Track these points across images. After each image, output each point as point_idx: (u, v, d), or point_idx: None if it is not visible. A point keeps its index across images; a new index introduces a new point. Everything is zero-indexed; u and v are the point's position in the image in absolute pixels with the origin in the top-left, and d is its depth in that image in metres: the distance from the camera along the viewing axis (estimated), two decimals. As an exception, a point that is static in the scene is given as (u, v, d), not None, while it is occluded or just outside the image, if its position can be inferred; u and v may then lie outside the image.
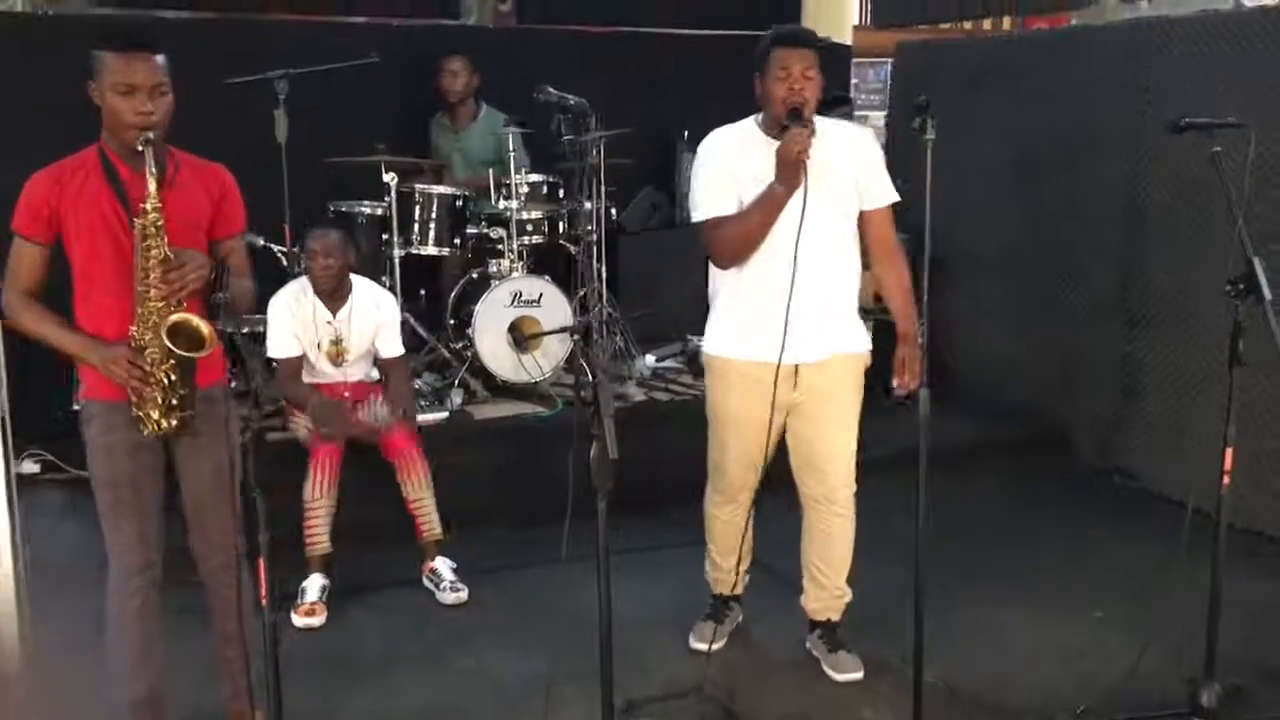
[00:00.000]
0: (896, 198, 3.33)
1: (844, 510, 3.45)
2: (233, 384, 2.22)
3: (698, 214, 3.28)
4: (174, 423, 2.71)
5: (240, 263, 2.87)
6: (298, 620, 3.82)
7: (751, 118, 3.31)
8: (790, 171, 3.07)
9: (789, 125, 3.08)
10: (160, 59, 2.64)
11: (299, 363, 4.22)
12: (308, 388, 4.22)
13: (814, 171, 3.09)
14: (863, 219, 3.32)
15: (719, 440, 3.48)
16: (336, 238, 4.18)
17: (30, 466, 4.87)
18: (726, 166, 3.24)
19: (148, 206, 2.59)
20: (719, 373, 3.43)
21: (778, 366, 3.18)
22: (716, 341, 3.42)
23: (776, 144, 3.13)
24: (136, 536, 2.81)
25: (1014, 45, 6.59)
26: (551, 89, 2.53)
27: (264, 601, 2.22)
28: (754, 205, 3.17)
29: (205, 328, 2.62)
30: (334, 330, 4.23)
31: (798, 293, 3.14)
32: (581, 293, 5.52)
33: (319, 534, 3.92)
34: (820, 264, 3.22)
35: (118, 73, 2.59)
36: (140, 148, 2.57)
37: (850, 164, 3.25)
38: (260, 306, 4.13)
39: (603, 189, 5.64)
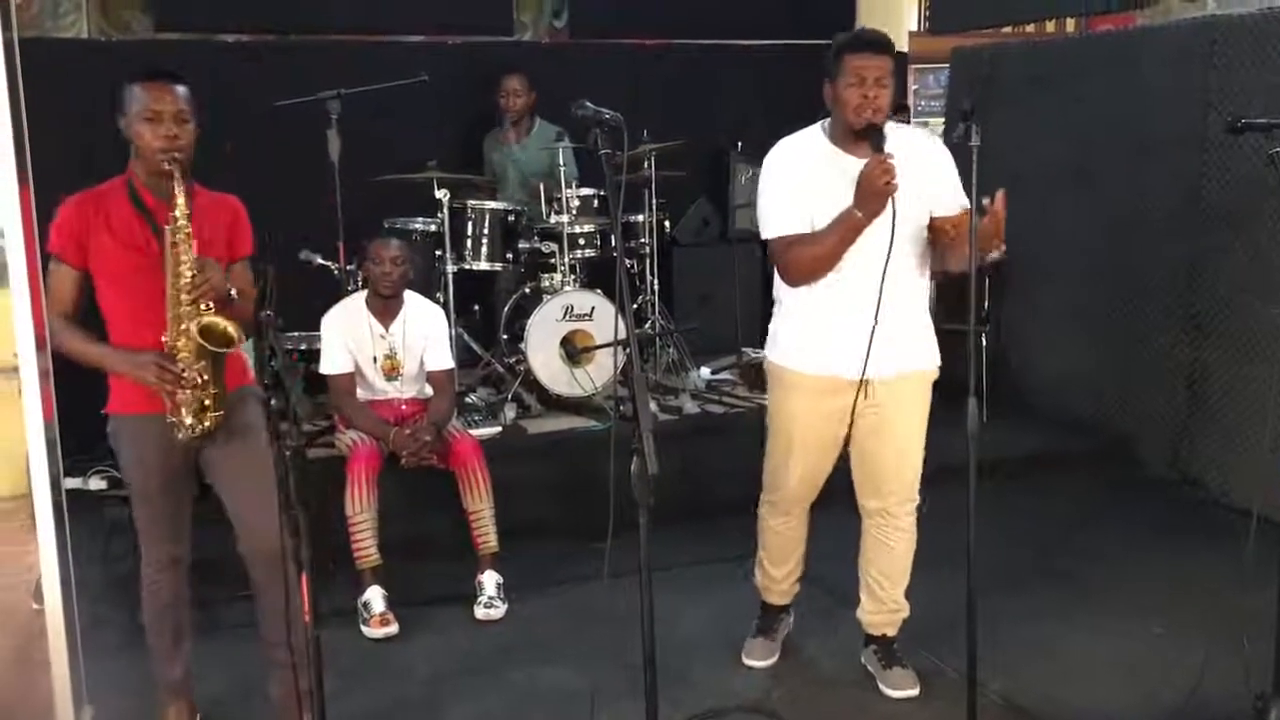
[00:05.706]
0: (967, 203, 3.07)
1: (905, 525, 3.37)
2: (272, 401, 2.24)
3: (767, 231, 3.16)
4: (207, 424, 2.83)
5: (246, 284, 2.98)
6: (374, 632, 3.84)
7: (817, 125, 3.18)
8: (875, 202, 2.94)
9: (868, 142, 2.96)
10: (182, 89, 2.82)
11: (351, 380, 4.24)
12: (371, 414, 4.20)
13: (898, 190, 2.95)
14: (933, 221, 3.16)
15: (780, 455, 3.38)
16: (399, 245, 4.24)
17: (98, 483, 4.96)
18: (795, 182, 3.12)
19: (177, 214, 2.75)
20: (785, 385, 3.30)
21: (859, 385, 3.12)
22: (784, 353, 3.29)
23: (845, 155, 3.05)
24: (166, 537, 3.00)
25: (1073, 48, 6.46)
26: (589, 103, 2.52)
27: (307, 618, 2.23)
28: (831, 229, 3.03)
29: (233, 328, 2.77)
30: (387, 344, 4.26)
31: (882, 311, 3.05)
32: (635, 305, 5.51)
33: (367, 547, 3.93)
34: (903, 281, 3.12)
35: (144, 101, 2.78)
36: (168, 166, 2.74)
37: (924, 174, 3.09)
38: (313, 324, 4.16)
39: (654, 201, 5.64)
